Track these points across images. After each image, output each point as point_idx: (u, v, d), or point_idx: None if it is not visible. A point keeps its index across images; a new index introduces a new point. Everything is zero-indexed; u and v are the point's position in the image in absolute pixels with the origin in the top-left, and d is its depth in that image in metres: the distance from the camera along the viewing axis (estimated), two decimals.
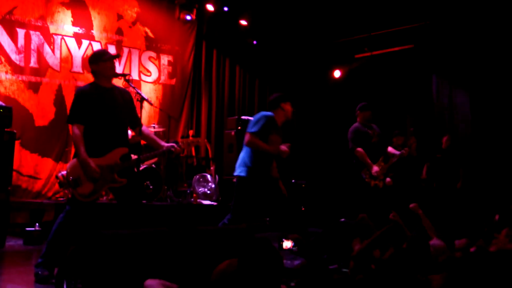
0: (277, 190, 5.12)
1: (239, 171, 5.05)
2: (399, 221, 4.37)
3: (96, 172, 3.96)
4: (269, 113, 5.12)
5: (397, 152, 6.67)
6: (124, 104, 4.28)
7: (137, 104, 5.97)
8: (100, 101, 4.11)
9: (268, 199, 5.06)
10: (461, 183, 8.09)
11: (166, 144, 4.34)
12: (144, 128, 4.40)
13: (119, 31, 9.40)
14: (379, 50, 10.23)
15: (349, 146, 6.56)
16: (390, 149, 6.96)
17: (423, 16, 9.47)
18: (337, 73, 10.92)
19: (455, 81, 9.47)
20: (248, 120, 9.23)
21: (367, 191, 6.30)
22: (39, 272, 4.01)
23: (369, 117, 6.64)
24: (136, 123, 4.35)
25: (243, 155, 5.10)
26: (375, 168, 6.31)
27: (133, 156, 7.00)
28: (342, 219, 5.11)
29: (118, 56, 4.36)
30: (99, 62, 4.21)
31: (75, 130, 4.04)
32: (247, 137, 4.97)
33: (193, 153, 9.33)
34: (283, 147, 5.04)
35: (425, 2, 9.18)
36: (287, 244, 3.61)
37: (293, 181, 9.25)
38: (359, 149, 6.39)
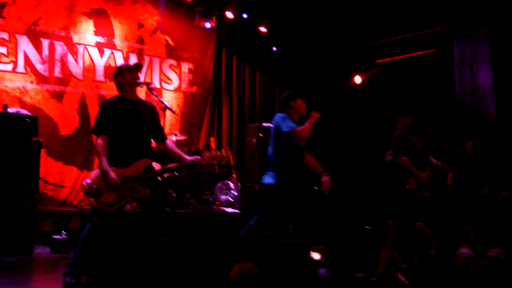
0: (307, 197, 5.02)
1: (268, 178, 4.96)
2: (426, 229, 4.33)
3: (116, 183, 4.00)
4: (282, 114, 5.04)
5: (439, 163, 6.38)
6: (148, 116, 4.32)
7: (160, 112, 6.03)
8: (125, 113, 4.17)
9: (298, 206, 4.97)
10: (488, 189, 7.97)
11: (189, 158, 4.36)
12: (168, 142, 4.44)
13: (140, 40, 9.51)
14: (400, 55, 10.17)
15: (391, 154, 6.19)
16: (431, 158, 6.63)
17: (444, 20, 9.40)
18: (358, 79, 10.89)
19: (478, 85, 9.36)
20: (269, 127, 9.24)
21: (412, 201, 5.93)
22: (67, 280, 4.07)
23: (410, 123, 6.22)
24: (160, 135, 4.42)
25: (272, 161, 5.00)
26: (424, 177, 5.93)
27: (156, 165, 7.05)
28: (367, 227, 5.08)
29: (140, 65, 4.40)
30: (123, 72, 4.28)
31: (99, 141, 4.11)
32: (293, 136, 4.86)
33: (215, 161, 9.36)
34: (313, 114, 4.98)
35: (446, 6, 9.12)
36: (315, 256, 3.60)
37: (315, 188, 9.21)
38: (403, 157, 5.96)
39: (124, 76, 4.27)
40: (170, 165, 4.56)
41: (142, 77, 9.39)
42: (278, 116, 5.05)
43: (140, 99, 4.38)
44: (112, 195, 4.06)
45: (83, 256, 4.12)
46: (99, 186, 4.07)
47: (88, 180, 6.75)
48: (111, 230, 4.27)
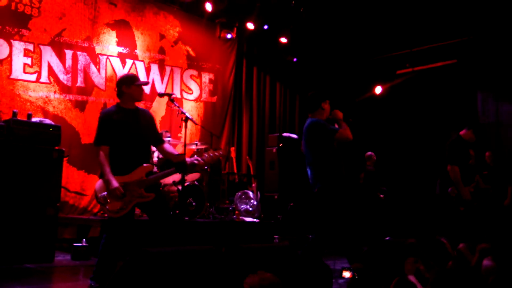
0: (351, 203, 5.03)
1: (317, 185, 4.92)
2: (445, 241, 4.27)
3: (119, 191, 4.11)
4: (316, 119, 5.00)
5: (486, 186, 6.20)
6: (146, 123, 4.46)
7: (180, 122, 6.07)
8: (124, 122, 4.30)
9: (342, 212, 4.90)
10: (510, 201, 7.83)
11: (188, 160, 4.50)
12: (165, 145, 4.61)
13: (162, 50, 9.61)
14: (421, 65, 10.10)
15: (444, 159, 5.95)
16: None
17: (466, 30, 9.32)
18: (378, 89, 10.84)
19: (501, 96, 9.24)
20: (289, 137, 9.25)
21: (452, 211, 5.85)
22: (92, 284, 4.16)
23: (473, 139, 5.99)
24: (158, 140, 4.59)
25: (314, 171, 4.98)
26: (467, 193, 5.76)
27: (177, 175, 7.11)
28: (387, 238, 5.02)
29: (147, 83, 4.51)
30: (132, 85, 4.40)
31: (100, 152, 4.22)
32: (340, 138, 4.89)
33: (235, 170, 9.39)
34: (338, 114, 5.05)
35: (468, 16, 9.04)
36: (347, 274, 3.56)
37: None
38: (455, 167, 5.74)
39: (132, 88, 4.39)
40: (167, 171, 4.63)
41: (163, 87, 9.57)
42: (314, 122, 4.99)
43: (137, 108, 4.51)
44: (115, 205, 4.16)
45: (104, 264, 4.20)
46: (104, 194, 4.18)
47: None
48: (128, 238, 4.36)
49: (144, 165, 4.32)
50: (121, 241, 4.29)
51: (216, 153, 4.57)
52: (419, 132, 9.89)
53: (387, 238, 4.63)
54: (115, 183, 4.10)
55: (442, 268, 3.59)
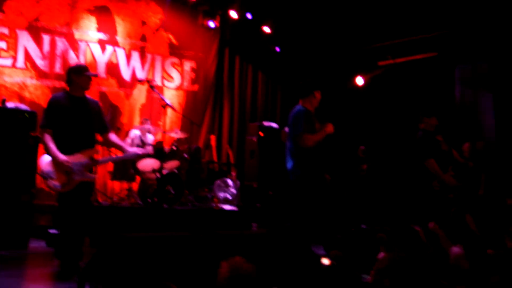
0: (325, 192, 5.06)
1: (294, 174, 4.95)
2: (418, 228, 4.30)
3: (68, 162, 4.34)
4: (300, 107, 5.03)
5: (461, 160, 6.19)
6: (92, 112, 4.70)
7: (161, 110, 6.05)
8: (70, 108, 4.54)
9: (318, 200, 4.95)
10: (483, 190, 7.91)
11: (132, 150, 4.83)
12: (111, 134, 4.84)
13: (143, 38, 9.50)
14: (402, 57, 10.15)
15: (417, 157, 5.92)
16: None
17: (447, 23, 9.37)
18: (360, 81, 10.86)
19: (479, 88, 9.33)
20: (270, 126, 9.23)
21: (437, 201, 5.77)
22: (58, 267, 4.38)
23: (435, 123, 5.99)
24: (103, 129, 4.81)
25: (292, 161, 5.00)
26: (451, 180, 5.77)
27: (156, 161, 7.07)
28: (363, 226, 5.05)
29: (96, 75, 4.71)
30: (82, 75, 4.63)
31: (44, 134, 4.46)
32: (299, 140, 4.93)
33: (215, 159, 9.36)
34: (328, 127, 5.01)
35: (449, 9, 9.09)
36: (325, 262, 3.58)
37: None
38: (431, 160, 5.73)
39: (81, 78, 4.63)
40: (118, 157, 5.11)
41: (144, 75, 9.47)
42: (296, 112, 5.03)
43: (86, 96, 4.72)
44: (61, 178, 4.38)
45: (64, 240, 4.42)
46: (47, 170, 4.39)
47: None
48: (83, 216, 4.55)
49: (88, 150, 4.56)
50: (75, 216, 4.45)
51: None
52: (399, 123, 9.94)
53: (363, 226, 4.66)
54: (63, 156, 4.35)
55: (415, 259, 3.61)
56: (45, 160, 4.46)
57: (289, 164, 5.04)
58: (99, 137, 4.87)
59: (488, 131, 9.03)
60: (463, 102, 9.56)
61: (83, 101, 4.66)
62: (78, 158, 4.46)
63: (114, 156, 4.99)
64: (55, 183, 4.36)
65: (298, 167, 4.94)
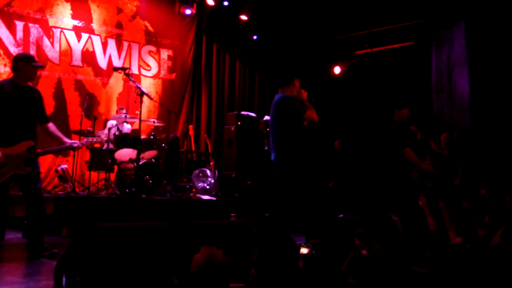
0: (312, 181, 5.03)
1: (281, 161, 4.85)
2: (396, 218, 4.36)
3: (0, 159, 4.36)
4: (285, 95, 4.91)
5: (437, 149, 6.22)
6: (34, 102, 4.68)
7: (137, 98, 6.00)
8: (13, 97, 4.51)
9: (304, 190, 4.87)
10: (459, 180, 8.05)
11: (68, 141, 4.83)
12: (50, 125, 4.81)
13: (119, 25, 9.38)
14: (379, 46, 10.22)
15: (393, 148, 5.90)
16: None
17: (423, 13, 9.46)
18: (337, 69, 10.92)
19: (455, 77, 9.45)
20: (248, 116, 9.23)
21: (415, 190, 5.98)
22: None
23: (407, 114, 5.98)
24: (42, 119, 4.78)
25: (278, 148, 4.89)
26: (429, 168, 5.80)
27: (133, 151, 7.02)
28: (341, 215, 5.09)
29: (43, 67, 5.11)
30: (29, 65, 4.59)
31: None
32: (309, 117, 4.82)
33: (193, 148, 9.33)
34: (304, 92, 4.95)
35: None
36: (304, 250, 3.58)
37: None
38: (408, 149, 5.70)
39: (28, 67, 4.59)
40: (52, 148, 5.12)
41: (120, 63, 9.35)
42: (285, 97, 4.88)
43: (29, 86, 4.69)
44: None
45: None
46: None
47: (64, 166, 6.87)
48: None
49: (27, 140, 4.54)
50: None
51: (95, 139, 5.12)
52: (376, 112, 10.03)
53: (340, 215, 4.69)
54: None
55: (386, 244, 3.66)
56: None
57: (273, 155, 4.97)
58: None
59: (463, 121, 9.17)
60: (439, 92, 9.67)
61: (27, 90, 4.64)
62: (15, 150, 4.47)
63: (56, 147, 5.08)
64: None
65: (281, 157, 4.88)
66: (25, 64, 4.57)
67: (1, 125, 4.47)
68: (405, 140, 5.79)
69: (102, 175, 7.74)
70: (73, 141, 4.89)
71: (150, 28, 9.80)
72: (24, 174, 4.53)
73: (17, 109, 4.51)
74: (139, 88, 5.69)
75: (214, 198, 7.97)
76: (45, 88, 8.28)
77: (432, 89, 9.71)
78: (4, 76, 7.87)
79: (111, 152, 7.42)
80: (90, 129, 7.40)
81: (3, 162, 4.39)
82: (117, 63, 9.24)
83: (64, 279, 3.20)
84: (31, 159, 4.60)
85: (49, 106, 8.34)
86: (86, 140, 5.06)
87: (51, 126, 4.82)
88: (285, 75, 5.04)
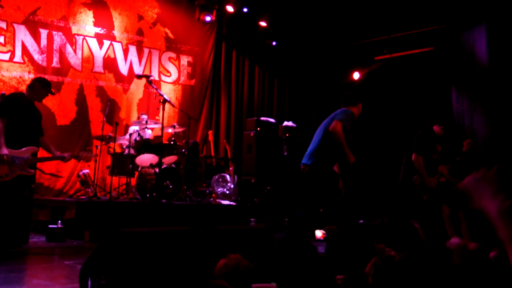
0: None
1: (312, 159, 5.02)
2: (417, 225, 4.36)
3: (7, 156, 4.85)
4: (349, 110, 5.09)
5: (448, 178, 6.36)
6: (38, 117, 5.43)
7: (158, 104, 6.13)
8: (26, 109, 5.21)
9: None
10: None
11: (58, 154, 5.47)
12: (44, 139, 5.51)
13: (140, 32, 9.50)
14: (398, 52, 10.19)
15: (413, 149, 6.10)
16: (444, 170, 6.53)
17: (443, 18, 9.41)
18: (356, 75, 10.91)
19: (474, 85, 9.36)
20: (267, 121, 9.27)
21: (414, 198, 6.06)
22: None
23: (440, 134, 6.17)
24: (41, 133, 5.46)
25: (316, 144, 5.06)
26: (431, 183, 5.95)
27: (155, 157, 7.10)
28: (361, 221, 5.10)
29: (53, 94, 5.59)
30: (44, 89, 5.36)
31: (0, 123, 4.96)
32: (335, 124, 4.87)
33: (212, 153, 9.39)
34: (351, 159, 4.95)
35: (445, 4, 9.13)
36: (318, 233, 3.60)
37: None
38: (419, 157, 5.91)
39: (42, 91, 5.36)
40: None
41: (141, 69, 9.48)
42: (347, 110, 5.07)
43: (34, 103, 5.39)
44: (4, 169, 4.88)
45: None
46: None
47: (85, 171, 7.07)
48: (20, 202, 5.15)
49: (33, 147, 5.15)
50: (11, 201, 5.03)
51: (87, 154, 5.80)
52: (395, 118, 9.99)
53: (361, 221, 4.70)
54: (4, 150, 4.87)
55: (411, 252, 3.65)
56: None
57: (310, 157, 5.07)
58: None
59: (484, 129, 9.06)
60: (460, 100, 9.58)
61: (34, 106, 5.39)
62: (22, 153, 5.03)
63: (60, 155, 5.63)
64: None
65: (315, 155, 5.00)
66: (42, 87, 5.32)
67: (13, 131, 5.02)
68: (425, 148, 5.92)
69: (123, 180, 7.83)
70: (63, 154, 5.51)
71: (170, 35, 9.91)
72: (27, 176, 5.07)
73: (26, 120, 5.19)
74: (161, 95, 5.78)
75: (234, 203, 8.01)
76: (68, 94, 8.43)
77: (452, 95, 9.64)
78: (28, 82, 8.03)
79: (132, 158, 7.51)
80: (112, 134, 7.50)
81: (13, 161, 4.92)
82: (137, 69, 9.36)
83: (89, 283, 3.27)
84: (33, 163, 5.24)
85: (71, 111, 8.49)
86: (81, 153, 5.86)
87: (44, 140, 5.49)
88: (353, 97, 5.27)
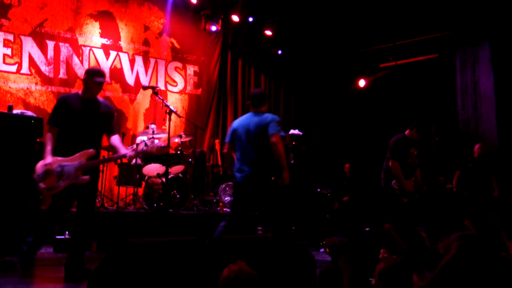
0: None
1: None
2: (424, 234, 4.34)
3: (47, 166, 4.41)
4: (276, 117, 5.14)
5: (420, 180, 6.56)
6: (102, 114, 4.75)
7: (165, 116, 6.10)
8: (78, 110, 4.61)
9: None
10: (498, 192, 7.90)
11: (124, 151, 4.81)
12: (113, 137, 4.86)
13: (146, 42, 9.56)
14: (403, 59, 10.19)
15: (387, 156, 6.42)
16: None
17: (447, 25, 9.42)
18: (361, 82, 10.92)
19: (480, 90, 9.34)
20: None
21: (396, 203, 6.24)
22: (24, 248, 4.59)
23: (416, 138, 6.45)
24: (109, 131, 4.86)
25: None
26: (410, 186, 6.24)
27: (161, 167, 7.10)
28: (367, 229, 5.08)
29: (105, 82, 4.89)
30: (91, 79, 4.67)
31: (48, 132, 4.59)
32: (278, 138, 4.90)
33: (219, 162, 9.39)
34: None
35: (450, 11, 9.14)
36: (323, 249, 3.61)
37: (318, 190, 9.24)
38: (396, 162, 6.24)
39: (89, 81, 4.68)
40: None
41: (147, 79, 9.52)
42: (274, 117, 5.08)
43: (97, 99, 4.79)
44: (52, 180, 4.43)
45: (41, 230, 4.66)
46: (39, 173, 4.47)
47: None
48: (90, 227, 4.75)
49: (88, 150, 4.57)
50: (59, 214, 4.69)
51: (158, 145, 5.00)
52: (400, 125, 9.98)
53: (367, 229, 4.68)
54: (48, 159, 4.44)
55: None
56: (40, 163, 4.52)
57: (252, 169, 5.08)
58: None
59: (490, 134, 9.03)
60: (465, 105, 9.56)
61: (92, 103, 4.71)
62: (74, 160, 4.50)
63: (112, 156, 5.24)
64: (43, 185, 4.45)
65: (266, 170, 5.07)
66: (88, 78, 4.67)
67: (63, 135, 4.57)
68: (400, 154, 6.28)
69: (130, 190, 7.85)
70: (126, 151, 4.83)
71: (176, 45, 9.96)
72: (82, 184, 4.51)
73: (79, 121, 4.59)
74: (168, 106, 5.80)
75: None
76: None
77: (457, 100, 9.62)
78: (37, 95, 8.10)
79: (139, 168, 7.53)
80: None
81: (62, 171, 4.43)
82: (144, 79, 9.41)
83: None
84: (90, 168, 4.61)
85: None
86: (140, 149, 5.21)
87: (113, 138, 4.86)
88: (264, 96, 5.31)
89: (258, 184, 4.99)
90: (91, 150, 4.57)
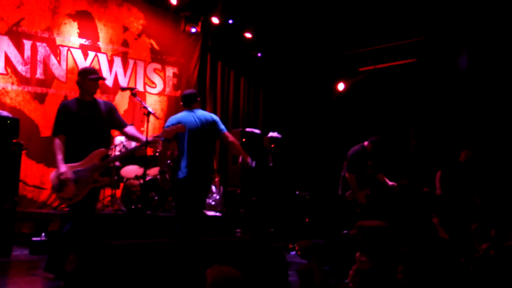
0: None
1: None
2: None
3: (63, 175, 4.28)
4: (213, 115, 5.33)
5: (390, 183, 6.69)
6: (105, 113, 4.66)
7: (143, 117, 6.07)
8: (79, 115, 4.53)
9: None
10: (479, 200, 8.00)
11: (144, 138, 4.68)
12: (127, 129, 4.78)
13: (125, 43, 9.49)
14: (382, 63, 10.31)
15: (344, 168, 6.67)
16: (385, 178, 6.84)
17: (426, 30, 9.56)
18: (341, 86, 11.01)
19: (458, 94, 9.50)
20: (252, 132, 9.29)
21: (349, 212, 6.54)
22: (48, 276, 4.36)
23: (371, 151, 6.59)
24: (119, 125, 4.79)
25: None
26: (362, 198, 6.46)
27: (140, 168, 7.06)
28: (345, 231, 5.12)
29: (103, 79, 4.92)
30: (86, 78, 4.59)
31: (56, 141, 4.46)
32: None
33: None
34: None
35: (428, 16, 9.28)
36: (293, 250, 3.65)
37: (297, 192, 9.29)
38: (351, 175, 6.47)
39: (85, 81, 4.60)
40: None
41: (126, 80, 9.45)
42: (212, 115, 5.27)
43: (96, 100, 4.71)
44: (71, 189, 4.30)
45: (61, 252, 4.42)
46: (57, 183, 4.33)
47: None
48: (90, 227, 4.55)
49: (99, 150, 4.47)
50: (84, 229, 4.47)
51: (173, 128, 4.81)
52: (379, 129, 10.09)
53: (345, 231, 4.72)
54: (62, 168, 4.31)
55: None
56: (54, 174, 4.40)
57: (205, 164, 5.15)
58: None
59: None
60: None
61: (91, 104, 4.62)
62: (86, 163, 4.39)
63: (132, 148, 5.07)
64: (63, 195, 4.33)
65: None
66: (83, 79, 4.59)
67: (70, 142, 4.47)
68: (357, 166, 6.50)
69: (108, 191, 7.78)
70: (149, 137, 4.69)
71: (156, 46, 9.91)
72: (102, 186, 4.46)
73: (83, 125, 4.50)
74: (145, 108, 5.77)
75: (219, 214, 7.99)
76: (52, 106, 8.35)
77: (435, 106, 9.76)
78: (13, 95, 7.98)
79: (118, 169, 7.47)
80: None
81: (78, 177, 4.32)
82: (122, 80, 9.34)
83: None
84: (105, 167, 4.55)
85: None
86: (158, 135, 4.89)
87: (129, 129, 4.79)
88: (195, 96, 5.36)
89: (204, 180, 5.09)
90: (102, 149, 4.50)
